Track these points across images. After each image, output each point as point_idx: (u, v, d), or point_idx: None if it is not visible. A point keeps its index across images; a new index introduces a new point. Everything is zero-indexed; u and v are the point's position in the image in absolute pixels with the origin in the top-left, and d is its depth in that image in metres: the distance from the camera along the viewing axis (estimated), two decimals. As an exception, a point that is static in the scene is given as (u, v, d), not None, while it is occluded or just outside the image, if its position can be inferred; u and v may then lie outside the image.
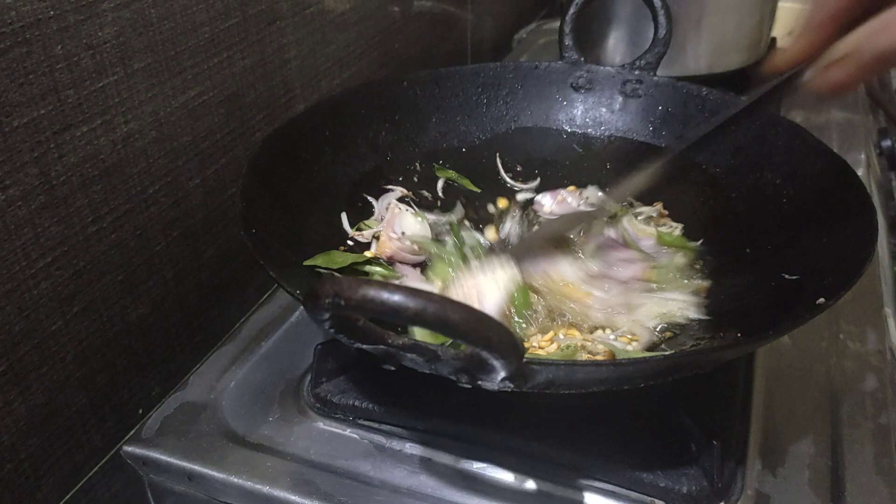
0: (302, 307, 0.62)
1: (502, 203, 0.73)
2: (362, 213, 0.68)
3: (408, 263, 0.65)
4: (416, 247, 0.65)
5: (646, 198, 0.72)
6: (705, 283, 0.63)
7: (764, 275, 0.59)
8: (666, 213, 0.72)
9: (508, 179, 0.76)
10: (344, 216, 0.66)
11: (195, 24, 0.63)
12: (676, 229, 0.69)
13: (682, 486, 0.50)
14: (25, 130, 0.50)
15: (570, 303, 0.60)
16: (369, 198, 0.69)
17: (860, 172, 0.80)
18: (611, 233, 0.67)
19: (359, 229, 0.66)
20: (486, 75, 0.78)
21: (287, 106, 0.77)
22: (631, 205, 0.72)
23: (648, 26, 0.76)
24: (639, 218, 0.71)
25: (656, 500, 0.51)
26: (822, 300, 0.48)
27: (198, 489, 0.55)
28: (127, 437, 0.57)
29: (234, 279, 0.73)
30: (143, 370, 0.64)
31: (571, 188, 0.74)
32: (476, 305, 0.57)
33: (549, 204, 0.72)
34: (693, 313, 0.60)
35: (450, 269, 0.63)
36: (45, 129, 0.51)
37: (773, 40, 1.15)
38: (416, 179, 0.74)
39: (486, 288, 0.57)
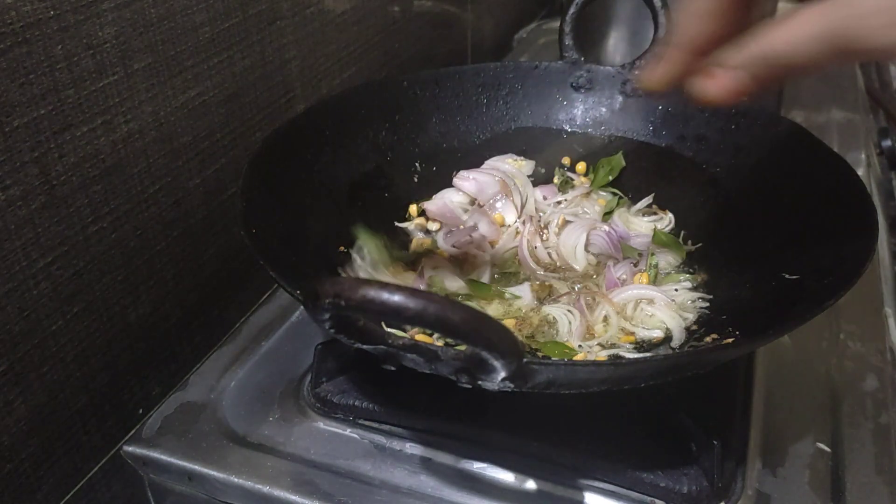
0: (302, 307, 0.63)
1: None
2: (362, 214, 0.68)
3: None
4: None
5: (639, 191, 0.73)
6: (700, 281, 0.63)
7: (764, 274, 0.59)
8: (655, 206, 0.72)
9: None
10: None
11: (195, 24, 0.63)
12: (666, 219, 0.70)
13: (682, 486, 0.50)
14: (25, 130, 0.50)
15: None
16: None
17: (860, 172, 0.80)
18: (604, 229, 0.67)
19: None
20: (486, 75, 0.78)
21: (287, 106, 0.77)
22: (622, 198, 0.73)
23: (648, 26, 0.76)
24: (631, 212, 0.71)
25: (656, 500, 0.51)
26: (822, 300, 0.48)
27: (198, 489, 0.55)
28: (127, 437, 0.57)
29: (234, 279, 0.73)
30: (143, 370, 0.64)
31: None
32: None
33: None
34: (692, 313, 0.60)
35: None
36: (45, 129, 0.51)
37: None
38: (416, 179, 0.74)
39: None
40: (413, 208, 0.72)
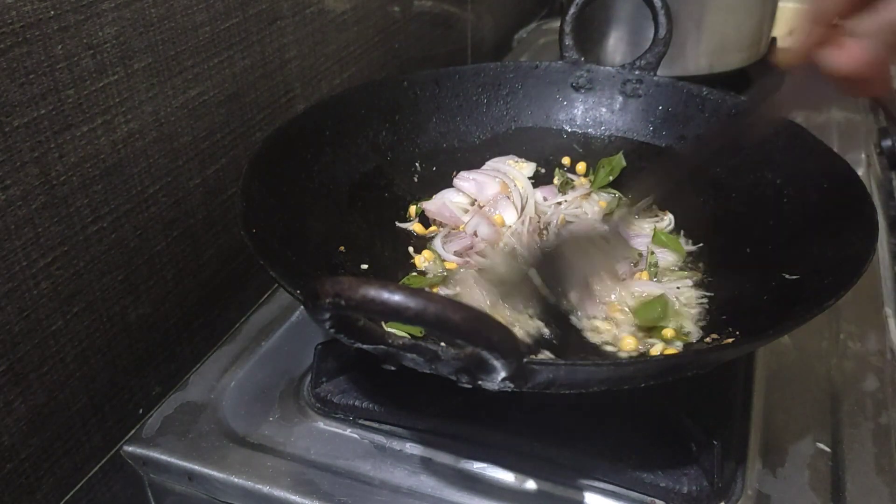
0: (302, 307, 0.62)
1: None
2: (362, 214, 0.68)
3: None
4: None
5: (640, 192, 0.73)
6: (700, 281, 0.63)
7: (764, 275, 0.59)
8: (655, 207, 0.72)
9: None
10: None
11: (195, 24, 0.63)
12: (666, 220, 0.70)
13: (682, 486, 0.50)
14: (25, 130, 0.50)
15: None
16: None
17: (860, 172, 0.80)
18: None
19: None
20: (486, 75, 0.78)
21: (287, 106, 0.77)
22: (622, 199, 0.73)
23: (648, 26, 0.76)
24: (632, 212, 0.71)
25: (656, 500, 0.51)
26: (822, 300, 0.48)
27: (198, 489, 0.55)
28: (127, 437, 0.57)
29: (234, 279, 0.73)
30: (143, 370, 0.64)
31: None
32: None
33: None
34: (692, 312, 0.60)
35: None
36: (45, 129, 0.51)
37: (773, 40, 1.15)
38: (416, 179, 0.74)
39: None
40: (413, 209, 0.72)
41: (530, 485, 0.52)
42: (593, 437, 0.53)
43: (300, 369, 0.62)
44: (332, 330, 0.37)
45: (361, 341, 0.39)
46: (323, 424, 0.57)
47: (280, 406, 0.59)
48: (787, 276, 0.56)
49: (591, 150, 0.77)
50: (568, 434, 0.53)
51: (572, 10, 0.77)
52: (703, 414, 0.53)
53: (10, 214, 0.50)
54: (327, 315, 0.35)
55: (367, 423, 0.57)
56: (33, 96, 0.50)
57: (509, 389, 0.42)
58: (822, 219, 0.58)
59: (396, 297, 0.33)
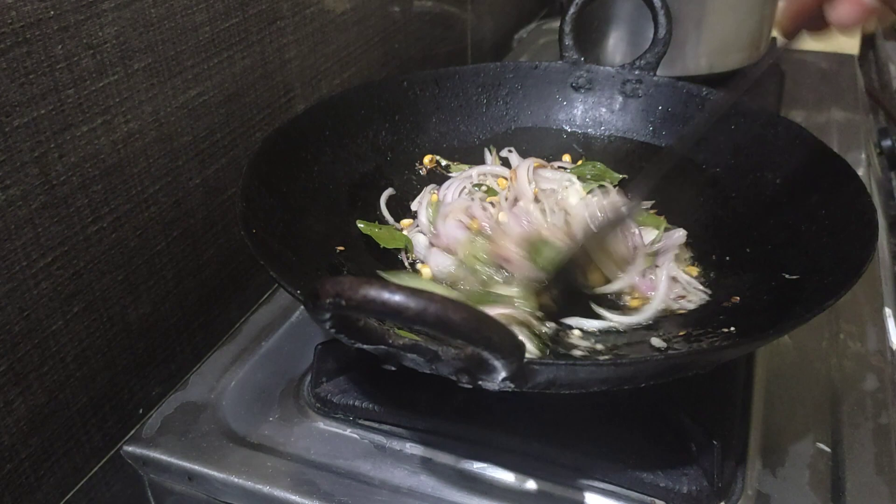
0: (302, 307, 0.62)
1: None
2: (362, 213, 0.68)
3: None
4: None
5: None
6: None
7: (764, 274, 0.59)
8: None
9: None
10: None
11: (195, 24, 0.63)
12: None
13: (682, 486, 0.50)
14: (25, 130, 0.50)
15: None
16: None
17: (860, 172, 0.80)
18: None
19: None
20: (486, 75, 0.78)
21: (287, 106, 0.77)
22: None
23: (648, 26, 0.76)
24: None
25: (656, 500, 0.51)
26: (822, 300, 0.48)
27: (198, 489, 0.55)
28: (127, 437, 0.57)
29: (234, 279, 0.73)
30: (143, 370, 0.64)
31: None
32: None
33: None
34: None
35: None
36: (45, 129, 0.51)
37: (774, 40, 1.15)
38: (415, 180, 0.74)
39: None
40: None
41: (530, 485, 0.52)
42: (593, 437, 0.53)
43: (300, 369, 0.62)
44: (332, 330, 0.37)
45: (361, 341, 0.39)
46: (323, 424, 0.57)
47: (280, 406, 0.59)
48: (787, 276, 0.56)
49: (591, 150, 0.77)
50: (568, 434, 0.53)
51: (572, 10, 0.77)
52: (703, 414, 0.53)
53: (10, 214, 0.50)
54: (327, 315, 0.35)
55: (367, 423, 0.57)
56: (33, 96, 0.50)
57: (509, 389, 0.42)
58: (822, 219, 0.58)
59: (396, 298, 0.33)
